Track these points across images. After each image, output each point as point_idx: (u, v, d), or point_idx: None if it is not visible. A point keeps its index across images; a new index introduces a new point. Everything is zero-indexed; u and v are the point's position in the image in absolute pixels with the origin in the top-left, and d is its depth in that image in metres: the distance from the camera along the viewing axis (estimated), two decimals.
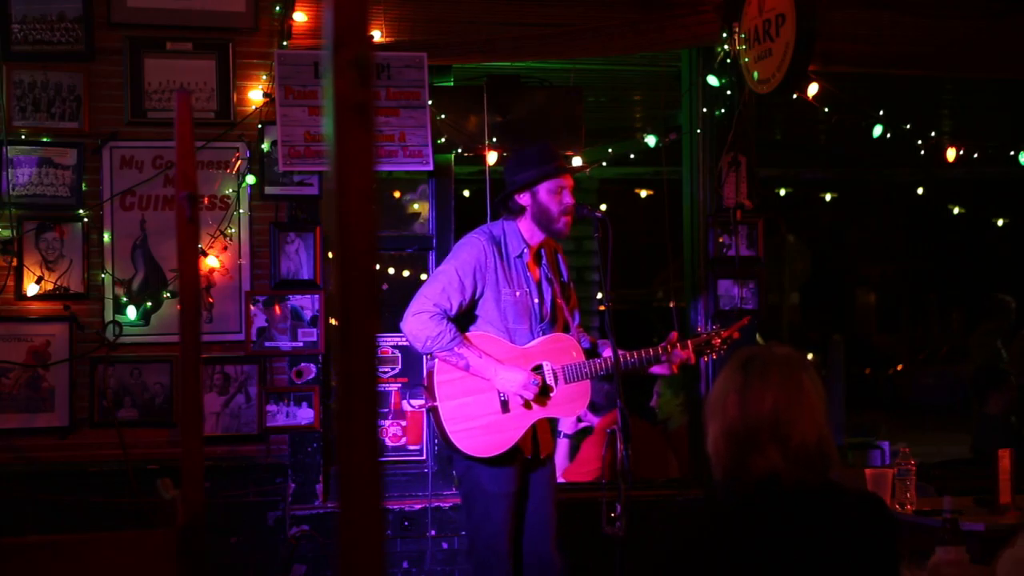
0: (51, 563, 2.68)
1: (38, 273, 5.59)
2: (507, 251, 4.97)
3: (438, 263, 5.77)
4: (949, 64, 6.55)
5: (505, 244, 4.97)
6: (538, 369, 4.92)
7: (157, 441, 5.64)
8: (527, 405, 4.87)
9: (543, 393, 4.88)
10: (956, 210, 13.10)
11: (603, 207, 9.49)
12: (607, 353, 5.01)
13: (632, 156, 8.64)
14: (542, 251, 5.06)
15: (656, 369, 5.10)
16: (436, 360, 4.87)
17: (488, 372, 4.83)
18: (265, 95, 5.76)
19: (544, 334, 4.99)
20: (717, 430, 2.65)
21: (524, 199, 4.96)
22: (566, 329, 5.07)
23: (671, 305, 6.10)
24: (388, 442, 5.98)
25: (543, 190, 4.93)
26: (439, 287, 4.84)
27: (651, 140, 6.50)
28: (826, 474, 2.63)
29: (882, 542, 2.65)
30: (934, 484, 5.96)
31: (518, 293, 4.94)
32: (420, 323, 4.79)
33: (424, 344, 4.81)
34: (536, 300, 4.99)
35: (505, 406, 4.86)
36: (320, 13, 5.73)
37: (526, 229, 4.99)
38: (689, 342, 5.07)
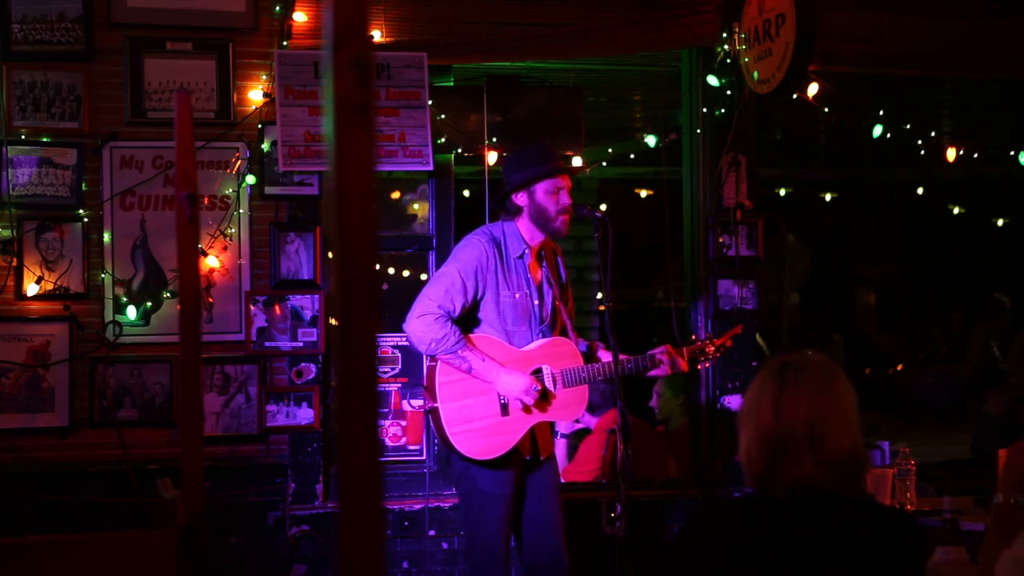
0: (51, 563, 2.68)
1: (38, 273, 5.59)
2: (507, 252, 4.96)
3: (438, 263, 5.77)
4: (949, 64, 6.55)
5: (505, 245, 4.97)
6: (538, 373, 4.92)
7: (157, 441, 5.64)
8: (526, 409, 4.87)
9: (543, 398, 4.88)
10: (956, 210, 13.10)
11: (603, 207, 9.49)
12: (604, 358, 5.02)
13: (632, 156, 8.65)
14: (542, 252, 5.06)
15: (654, 373, 5.12)
16: (438, 361, 4.87)
17: (490, 375, 4.83)
18: (265, 95, 5.76)
19: (543, 336, 4.99)
20: (751, 437, 2.64)
21: (521, 199, 4.96)
22: (564, 332, 5.07)
23: (671, 305, 6.09)
24: (388, 442, 5.97)
25: (540, 190, 4.93)
26: (442, 289, 4.84)
27: (651, 140, 6.50)
28: (859, 482, 2.63)
29: (911, 560, 2.64)
30: (934, 484, 5.96)
31: (518, 295, 4.94)
32: (425, 325, 4.78)
33: (428, 346, 4.81)
34: (536, 302, 4.99)
35: (505, 409, 4.86)
36: (320, 13, 5.73)
37: (525, 229, 4.99)
38: (684, 350, 5.08)
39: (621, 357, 4.92)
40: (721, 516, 2.71)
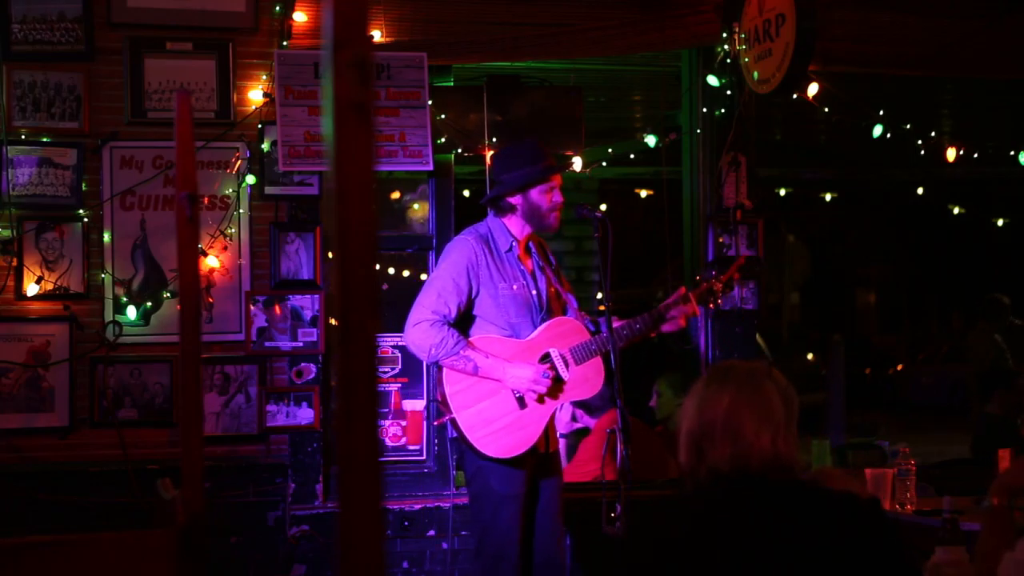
0: (51, 563, 2.68)
1: (38, 273, 5.59)
2: (496, 247, 4.96)
3: (438, 263, 5.77)
4: (949, 64, 6.54)
5: (493, 240, 4.97)
6: (546, 358, 4.91)
7: (157, 441, 5.64)
8: (541, 399, 4.86)
9: (556, 383, 4.87)
10: (956, 210, 13.08)
11: (603, 207, 9.48)
12: (615, 324, 4.97)
13: (632, 156, 8.64)
14: (530, 243, 5.06)
15: (666, 328, 5.07)
16: (444, 371, 4.84)
17: (497, 372, 4.81)
18: (265, 95, 5.76)
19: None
20: (681, 435, 2.81)
21: (515, 199, 4.96)
22: (565, 313, 5.06)
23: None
24: (388, 442, 5.97)
25: (535, 191, 4.94)
26: (434, 294, 4.83)
27: (651, 140, 6.50)
28: (785, 474, 2.70)
29: (865, 543, 2.63)
30: (934, 484, 5.96)
31: (515, 286, 4.93)
32: (422, 332, 4.77)
33: (429, 353, 4.79)
34: (534, 291, 4.98)
35: (522, 402, 4.84)
36: (320, 13, 5.72)
37: (515, 225, 4.99)
38: (691, 294, 5.06)
39: (629, 320, 4.92)
40: (662, 515, 2.82)
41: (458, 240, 4.99)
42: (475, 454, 4.84)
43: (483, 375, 4.81)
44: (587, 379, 4.96)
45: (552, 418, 4.93)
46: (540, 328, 4.94)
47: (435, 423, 5.85)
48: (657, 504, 2.87)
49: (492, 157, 5.35)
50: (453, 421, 4.83)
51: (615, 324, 4.97)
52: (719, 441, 2.70)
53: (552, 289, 5.04)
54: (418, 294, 4.96)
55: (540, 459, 4.94)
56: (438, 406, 5.01)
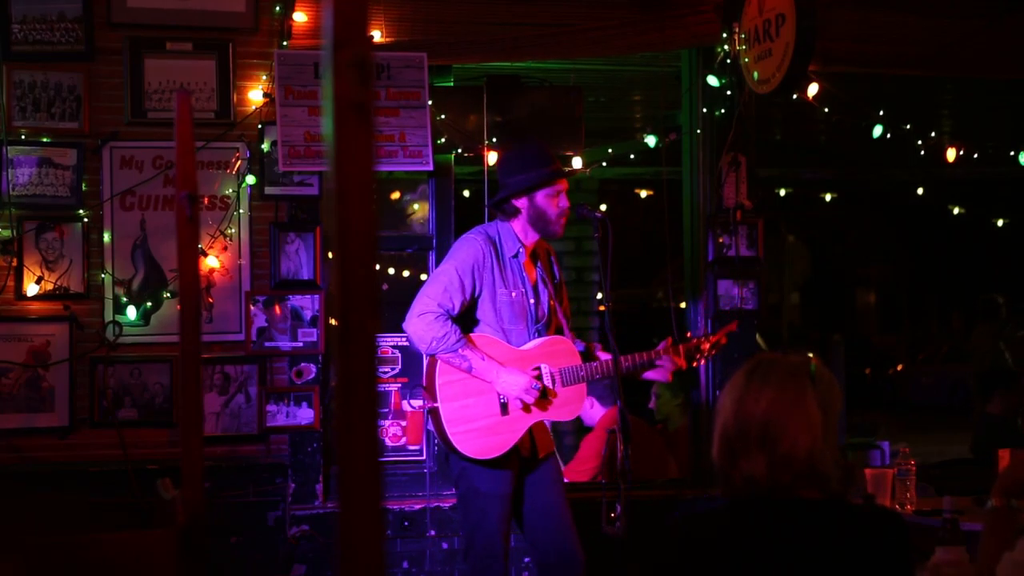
0: (51, 563, 2.68)
1: (38, 273, 5.59)
2: (503, 251, 4.96)
3: (438, 263, 5.77)
4: (949, 64, 6.54)
5: (501, 244, 4.97)
6: (536, 371, 4.92)
7: (157, 441, 5.64)
8: (526, 408, 4.87)
9: (543, 397, 4.88)
10: (956, 210, 13.09)
11: (603, 207, 9.48)
12: (603, 357, 5.02)
13: (632, 156, 8.64)
14: (536, 251, 5.07)
15: (650, 375, 5.12)
16: (437, 361, 4.86)
17: (490, 375, 4.83)
18: (265, 95, 5.76)
19: (539, 335, 4.99)
20: (715, 432, 2.65)
21: (520, 203, 4.96)
22: (560, 331, 5.07)
23: (671, 306, 6.09)
24: (388, 442, 5.98)
25: (540, 195, 4.93)
26: (441, 287, 4.83)
27: (651, 140, 6.49)
28: (820, 488, 2.58)
29: (890, 561, 2.60)
30: (934, 484, 5.96)
31: (514, 294, 4.94)
32: (425, 324, 4.78)
33: (429, 345, 4.80)
34: (532, 301, 4.98)
35: (504, 408, 4.86)
36: (320, 13, 5.72)
37: (521, 230, 4.99)
38: (681, 347, 5.07)
39: (620, 356, 4.92)
40: (687, 527, 2.67)
41: (467, 238, 4.99)
42: (455, 454, 4.86)
43: (475, 375, 4.82)
44: (569, 402, 4.99)
45: (532, 429, 4.92)
46: (537, 342, 4.95)
47: (417, 407, 5.86)
48: (683, 510, 2.74)
49: (497, 159, 5.34)
50: (434, 411, 4.85)
51: (604, 357, 5.00)
52: (754, 447, 2.55)
53: (551, 303, 5.05)
54: (423, 285, 4.97)
55: (525, 463, 4.94)
56: (422, 391, 5.03)
